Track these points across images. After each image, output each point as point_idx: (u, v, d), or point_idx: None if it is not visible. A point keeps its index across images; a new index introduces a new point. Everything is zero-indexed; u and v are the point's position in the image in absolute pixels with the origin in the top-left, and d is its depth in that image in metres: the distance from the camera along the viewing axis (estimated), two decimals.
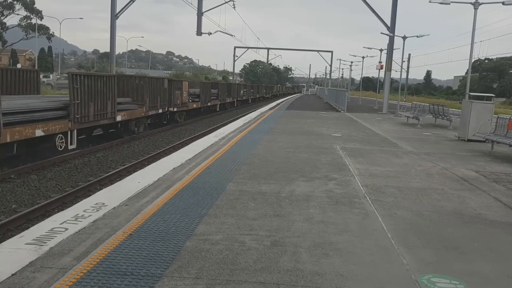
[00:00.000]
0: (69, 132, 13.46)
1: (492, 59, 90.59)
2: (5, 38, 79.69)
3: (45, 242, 4.26)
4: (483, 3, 21.78)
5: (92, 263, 3.87)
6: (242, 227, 4.99)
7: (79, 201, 6.54)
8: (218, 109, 34.92)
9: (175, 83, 24.17)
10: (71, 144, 13.62)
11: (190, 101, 27.05)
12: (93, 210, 5.33)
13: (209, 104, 31.59)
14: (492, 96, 18.79)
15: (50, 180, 11.01)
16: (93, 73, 19.25)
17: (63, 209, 6.27)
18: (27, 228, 5.61)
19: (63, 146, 13.26)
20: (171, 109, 23.55)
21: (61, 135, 13.12)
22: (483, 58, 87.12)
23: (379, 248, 4.56)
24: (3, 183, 10.23)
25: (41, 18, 75.67)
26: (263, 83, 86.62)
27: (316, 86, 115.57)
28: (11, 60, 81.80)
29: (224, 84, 40.91)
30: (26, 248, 4.12)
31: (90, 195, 6.95)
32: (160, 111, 21.86)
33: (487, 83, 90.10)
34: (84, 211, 5.28)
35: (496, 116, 13.69)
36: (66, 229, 4.65)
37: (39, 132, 12.02)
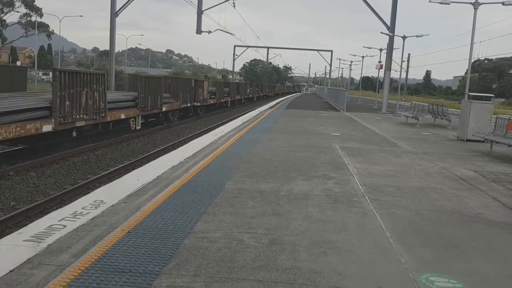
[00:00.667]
0: (137, 117, 19.48)
1: (491, 59, 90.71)
2: (4, 36, 79.56)
3: (43, 239, 4.25)
4: (483, 3, 21.79)
5: (90, 260, 3.86)
6: (241, 225, 4.99)
7: (77, 199, 6.53)
8: (229, 105, 40.00)
9: (199, 83, 29.36)
10: (138, 125, 19.66)
11: (208, 97, 32.00)
12: (91, 207, 5.33)
13: (222, 100, 36.93)
14: (491, 96, 18.81)
15: (49, 177, 11.01)
16: (149, 75, 25.51)
17: (61, 207, 6.27)
18: (26, 225, 5.59)
19: (134, 127, 19.22)
20: (195, 103, 28.46)
21: (132, 118, 19.11)
22: (482, 59, 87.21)
23: (378, 247, 4.56)
24: (2, 180, 10.22)
25: (41, 15, 75.58)
26: (262, 82, 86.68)
27: (316, 86, 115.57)
28: (10, 58, 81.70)
29: (234, 84, 47.52)
30: (24, 245, 4.11)
31: (88, 193, 6.93)
32: (189, 105, 26.76)
33: (486, 83, 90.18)
34: (82, 208, 5.27)
35: (495, 116, 13.69)
36: (65, 226, 4.64)
37: (122, 116, 18.01)
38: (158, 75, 25.90)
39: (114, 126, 17.68)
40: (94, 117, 15.43)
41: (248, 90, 52.47)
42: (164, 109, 22.59)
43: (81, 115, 14.48)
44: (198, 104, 29.06)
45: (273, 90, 79.87)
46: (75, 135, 14.57)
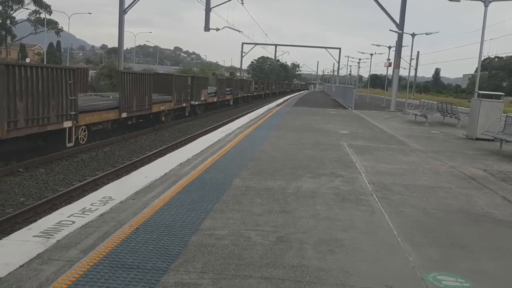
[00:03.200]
0: (172, 110, 22.94)
1: (502, 57, 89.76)
2: (14, 33, 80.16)
3: (53, 235, 4.29)
4: (494, 1, 21.56)
5: (98, 256, 3.89)
6: (248, 222, 5.00)
7: (86, 195, 6.59)
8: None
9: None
10: (171, 119, 22.90)
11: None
12: (100, 203, 5.36)
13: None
14: (501, 95, 18.64)
15: (58, 174, 11.09)
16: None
17: (70, 203, 6.31)
18: (35, 221, 5.65)
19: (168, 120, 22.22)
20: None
21: (166, 111, 21.96)
22: (493, 57, 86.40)
23: (385, 245, 4.55)
24: (11, 177, 10.32)
25: (50, 12, 76.06)
26: (270, 79, 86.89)
27: (324, 83, 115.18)
28: (20, 55, 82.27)
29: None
30: (34, 240, 4.16)
31: (97, 189, 6.98)
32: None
33: (496, 81, 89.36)
34: (91, 204, 5.31)
35: (505, 115, 13.57)
36: (73, 222, 4.68)
37: (163, 108, 21.50)
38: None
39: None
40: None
41: (252, 87, 52.15)
42: (195, 103, 23.38)
43: None
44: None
45: (280, 87, 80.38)
46: None
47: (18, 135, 11.18)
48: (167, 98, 22.53)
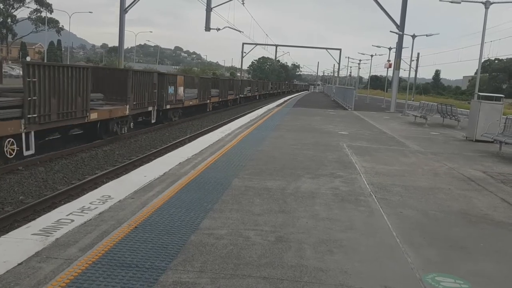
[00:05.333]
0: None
1: (502, 59, 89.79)
2: (15, 31, 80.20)
3: (52, 233, 4.29)
4: (494, 3, 21.56)
5: (97, 254, 3.89)
6: (247, 222, 4.99)
7: (85, 194, 6.58)
8: (257, 97, 47.99)
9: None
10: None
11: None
12: (99, 202, 5.36)
13: (248, 95, 44.64)
14: (501, 97, 18.64)
15: (57, 172, 11.09)
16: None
17: (69, 201, 6.31)
18: (34, 219, 5.64)
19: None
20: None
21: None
22: (493, 59, 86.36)
23: (384, 246, 4.55)
24: (11, 175, 10.31)
25: (51, 11, 76.19)
26: (270, 80, 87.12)
27: (323, 84, 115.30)
28: (20, 53, 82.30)
29: (261, 82, 58.27)
30: (33, 238, 4.15)
31: (96, 188, 6.97)
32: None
33: (496, 83, 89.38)
34: (90, 203, 5.31)
35: (505, 117, 13.57)
36: (72, 220, 4.68)
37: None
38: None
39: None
40: None
41: (269, 87, 55.43)
42: (208, 101, 24.79)
43: None
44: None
45: (277, 88, 77.57)
46: None
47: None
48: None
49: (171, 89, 22.14)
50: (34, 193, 9.35)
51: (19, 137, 10.88)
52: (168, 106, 21.78)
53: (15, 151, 10.78)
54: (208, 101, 30.02)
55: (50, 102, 11.97)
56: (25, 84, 11.02)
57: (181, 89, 23.82)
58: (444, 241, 4.83)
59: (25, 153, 11.10)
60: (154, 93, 20.07)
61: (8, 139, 10.56)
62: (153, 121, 20.29)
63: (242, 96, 43.07)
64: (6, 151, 10.54)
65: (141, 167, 8.09)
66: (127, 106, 17.05)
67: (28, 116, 11.05)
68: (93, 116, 14.42)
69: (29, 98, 11.05)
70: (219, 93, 33.14)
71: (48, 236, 4.22)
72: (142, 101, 18.73)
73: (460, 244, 4.78)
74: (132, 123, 17.85)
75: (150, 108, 19.77)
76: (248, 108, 35.39)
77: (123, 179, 7.08)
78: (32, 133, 11.28)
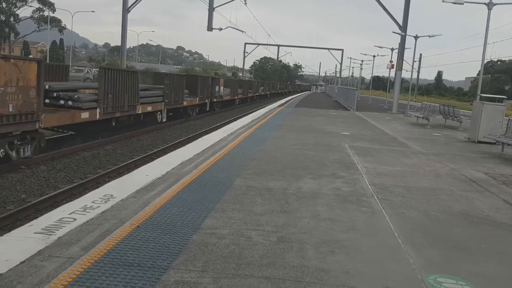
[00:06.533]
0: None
1: (504, 60, 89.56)
2: (17, 30, 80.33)
3: (54, 232, 4.30)
4: (497, 4, 21.55)
5: (99, 253, 3.90)
6: (249, 222, 5.00)
7: (87, 193, 6.59)
8: (269, 95, 54.30)
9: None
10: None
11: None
12: (101, 201, 5.37)
13: (262, 93, 51.47)
14: (504, 98, 18.63)
15: (59, 171, 11.11)
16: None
17: (71, 200, 6.32)
18: (36, 217, 5.65)
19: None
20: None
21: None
22: (495, 60, 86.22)
23: (386, 247, 4.55)
24: (13, 173, 10.33)
25: (54, 10, 76.27)
26: (272, 80, 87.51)
27: (327, 85, 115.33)
28: (23, 52, 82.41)
29: (271, 83, 67.44)
30: (35, 237, 4.17)
31: (98, 187, 6.99)
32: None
33: (499, 85, 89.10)
34: (92, 202, 5.32)
35: (507, 118, 13.55)
36: (75, 219, 4.69)
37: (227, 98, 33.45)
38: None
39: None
40: None
41: (278, 86, 63.16)
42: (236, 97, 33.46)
43: None
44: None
45: (283, 88, 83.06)
46: None
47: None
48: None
49: (217, 88, 31.42)
50: (36, 191, 9.37)
51: (161, 112, 20.90)
52: (215, 100, 30.94)
53: (161, 119, 20.88)
54: (236, 97, 39.48)
55: (172, 95, 21.83)
56: (164, 84, 21.10)
57: (222, 88, 32.98)
58: (445, 242, 4.83)
59: (163, 119, 21.24)
60: (210, 91, 29.38)
61: (158, 112, 20.56)
62: (207, 109, 29.19)
63: (257, 94, 52.52)
64: (158, 117, 20.64)
65: (143, 167, 8.10)
66: (197, 99, 26.58)
67: (166, 101, 21.12)
68: (185, 103, 24.29)
69: (166, 92, 21.18)
70: (243, 91, 42.82)
71: (51, 234, 4.23)
72: (203, 95, 27.94)
73: (462, 245, 4.77)
74: (197, 110, 27.17)
75: (206, 100, 29.03)
76: (250, 108, 35.43)
77: (125, 178, 7.09)
78: (165, 110, 21.30)
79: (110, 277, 3.50)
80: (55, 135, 15.36)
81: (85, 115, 13.91)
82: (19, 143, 10.69)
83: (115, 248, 4.03)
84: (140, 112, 18.18)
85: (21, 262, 3.63)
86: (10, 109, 9.94)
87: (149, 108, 19.15)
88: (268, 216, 5.26)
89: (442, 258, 4.36)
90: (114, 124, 16.28)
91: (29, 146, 11.07)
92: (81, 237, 4.24)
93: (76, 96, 13.97)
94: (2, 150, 10.08)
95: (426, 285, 3.76)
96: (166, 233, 4.50)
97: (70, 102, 13.78)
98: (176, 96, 22.41)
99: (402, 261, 4.23)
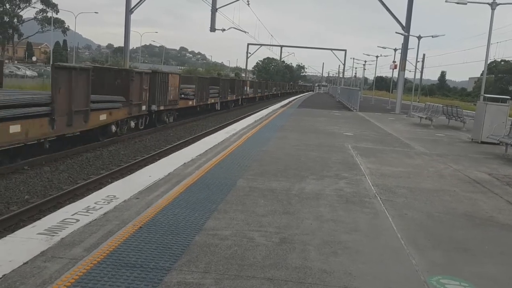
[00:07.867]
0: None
1: (508, 61, 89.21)
2: (21, 31, 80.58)
3: (57, 233, 4.31)
4: (501, 4, 21.48)
5: (102, 254, 3.91)
6: (252, 223, 5.00)
7: (90, 194, 6.60)
8: (279, 95, 61.18)
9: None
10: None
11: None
12: (104, 202, 5.38)
13: (274, 92, 59.24)
14: (507, 99, 18.55)
15: (63, 172, 11.13)
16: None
17: (74, 201, 6.33)
18: (39, 218, 5.66)
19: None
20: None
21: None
22: (499, 60, 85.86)
23: (389, 248, 4.54)
24: (16, 174, 10.37)
25: (57, 11, 76.46)
26: (275, 80, 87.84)
27: (330, 85, 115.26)
28: (26, 53, 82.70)
29: (281, 83, 77.99)
30: (38, 238, 4.17)
31: (101, 188, 7.00)
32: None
33: (502, 85, 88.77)
34: (95, 203, 5.33)
35: (511, 118, 13.51)
36: (78, 220, 4.70)
37: (251, 95, 45.78)
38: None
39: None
40: None
41: (287, 86, 69.12)
42: (240, 97, 38.75)
43: None
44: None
45: (291, 88, 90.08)
46: None
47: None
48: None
49: (245, 88, 41.88)
50: (40, 192, 9.39)
51: (217, 103, 31.01)
52: (244, 97, 40.66)
53: (217, 107, 30.93)
54: (257, 95, 49.55)
55: (199, 95, 26.43)
56: (195, 85, 26.09)
57: (248, 88, 43.31)
58: (448, 243, 4.81)
59: (218, 108, 31.28)
60: (239, 90, 38.75)
61: (216, 103, 30.74)
62: (240, 103, 38.96)
63: (271, 93, 62.02)
64: (216, 106, 30.98)
65: (146, 167, 8.11)
66: (234, 96, 36.39)
67: (220, 96, 31.08)
68: (229, 98, 34.40)
69: (220, 90, 31.40)
70: (261, 91, 52.94)
71: (53, 235, 4.24)
72: (238, 93, 37.75)
73: (465, 246, 4.76)
74: (233, 104, 36.93)
75: (239, 97, 38.97)
76: (254, 108, 35.47)
77: (128, 179, 7.10)
78: (219, 102, 31.55)
79: (112, 278, 3.50)
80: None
81: (192, 103, 25.51)
82: (169, 114, 21.66)
83: (117, 249, 4.03)
84: (209, 103, 29.09)
85: (24, 263, 3.64)
86: (171, 97, 21.36)
87: (212, 101, 29.76)
88: (270, 217, 5.26)
89: (445, 259, 4.34)
90: (198, 109, 27.10)
91: (172, 117, 21.97)
92: (84, 238, 4.25)
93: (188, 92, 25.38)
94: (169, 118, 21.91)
95: (429, 286, 3.75)
96: (169, 234, 4.50)
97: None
98: (225, 93, 33.07)
99: (405, 262, 4.22)
